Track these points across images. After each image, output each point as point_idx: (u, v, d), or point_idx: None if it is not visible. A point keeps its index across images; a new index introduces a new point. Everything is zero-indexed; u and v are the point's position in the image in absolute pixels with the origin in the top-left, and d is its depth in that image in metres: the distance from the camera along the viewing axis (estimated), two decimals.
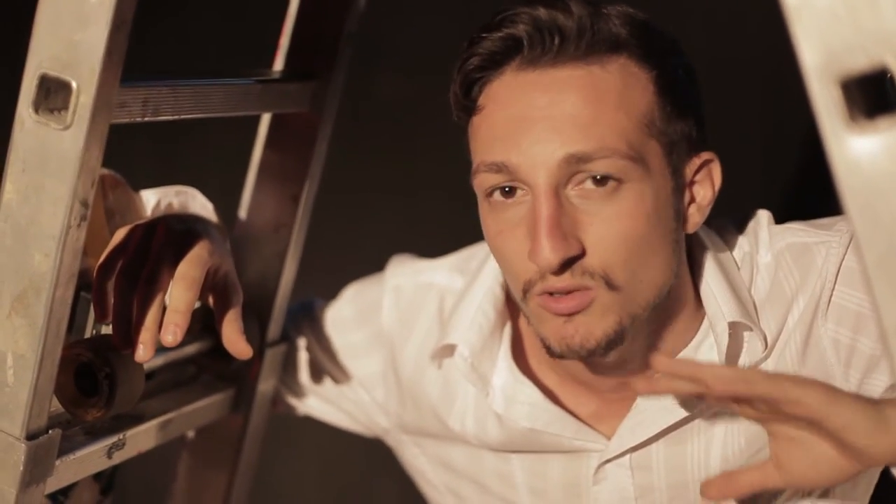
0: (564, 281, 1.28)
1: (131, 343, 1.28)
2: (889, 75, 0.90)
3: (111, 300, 1.29)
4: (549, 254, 1.26)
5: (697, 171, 1.35)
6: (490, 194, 1.31)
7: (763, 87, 2.28)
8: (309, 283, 1.61)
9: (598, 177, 1.27)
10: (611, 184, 1.28)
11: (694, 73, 1.37)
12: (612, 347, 1.31)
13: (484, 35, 1.31)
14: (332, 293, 1.64)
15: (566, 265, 1.28)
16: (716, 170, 1.36)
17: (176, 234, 1.33)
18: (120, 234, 1.34)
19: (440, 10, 2.43)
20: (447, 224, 2.04)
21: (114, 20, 1.06)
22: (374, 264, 1.64)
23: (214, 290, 1.38)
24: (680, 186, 1.33)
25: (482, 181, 1.31)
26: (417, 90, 2.43)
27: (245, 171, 1.53)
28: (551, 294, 1.30)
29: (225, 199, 1.54)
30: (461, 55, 1.33)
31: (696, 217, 1.36)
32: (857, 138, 0.91)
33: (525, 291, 1.31)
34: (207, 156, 2.41)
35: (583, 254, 1.28)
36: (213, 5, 2.51)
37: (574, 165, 1.27)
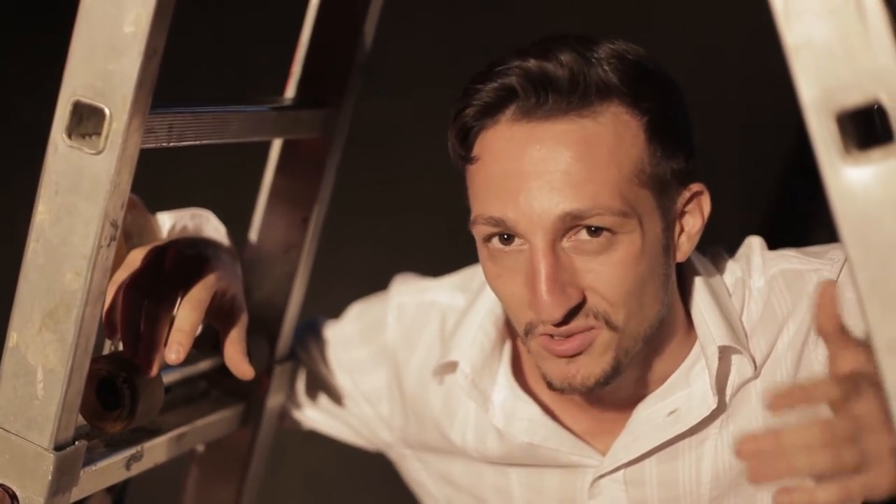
0: (570, 327, 1.32)
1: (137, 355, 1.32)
2: (876, 107, 0.95)
3: (118, 317, 1.34)
4: (552, 309, 1.30)
5: (687, 203, 1.38)
6: (488, 240, 1.34)
7: (748, 112, 2.32)
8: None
9: (592, 230, 1.30)
10: (604, 235, 1.31)
11: (685, 107, 1.39)
12: (610, 382, 1.36)
13: (478, 86, 1.33)
14: (319, 312, 1.68)
15: (569, 315, 1.31)
16: (705, 200, 1.39)
17: (186, 257, 1.38)
18: (134, 256, 1.38)
19: (426, 33, 2.46)
20: (436, 245, 2.08)
21: (146, 50, 1.11)
22: (360, 285, 1.67)
23: (220, 312, 1.43)
24: (670, 223, 1.37)
25: (480, 231, 1.34)
26: (404, 113, 2.47)
27: (252, 195, 1.57)
28: (552, 336, 1.33)
29: (232, 222, 1.58)
30: (455, 105, 1.35)
31: (685, 246, 1.39)
32: (851, 168, 0.96)
33: (527, 332, 1.35)
34: (216, 179, 2.45)
35: (583, 300, 1.32)
36: (221, 32, 2.54)
37: (568, 221, 1.30)
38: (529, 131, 1.31)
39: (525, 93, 1.30)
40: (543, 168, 1.30)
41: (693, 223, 1.39)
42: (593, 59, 1.32)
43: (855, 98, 0.95)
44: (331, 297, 1.69)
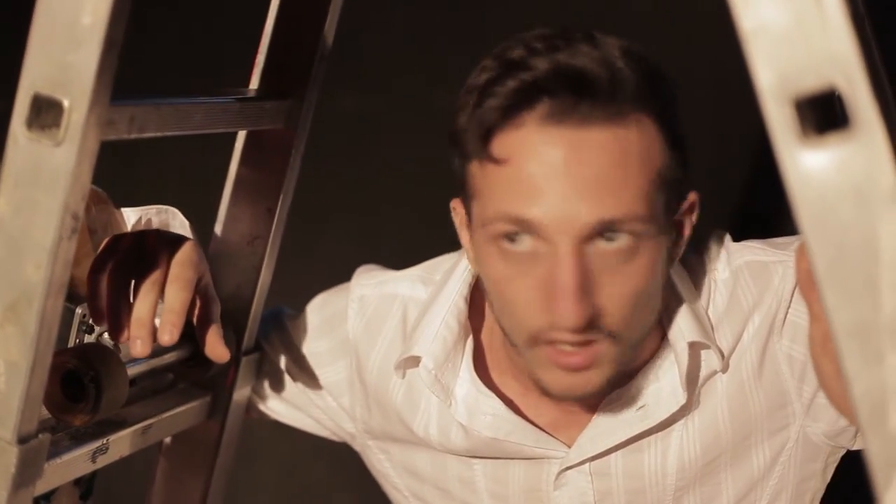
0: (578, 336, 1.30)
1: (124, 336, 1.32)
2: (837, 94, 0.96)
3: (104, 300, 1.33)
4: (576, 315, 1.28)
5: (686, 212, 1.39)
6: (499, 237, 1.32)
7: (713, 103, 2.32)
8: (269, 294, 1.64)
9: (616, 237, 1.29)
10: (630, 244, 1.29)
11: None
12: (610, 391, 1.38)
13: (499, 84, 1.29)
14: (289, 305, 1.68)
15: (587, 324, 1.30)
16: (696, 207, 1.39)
17: (167, 239, 1.38)
18: (111, 242, 1.37)
19: (400, 27, 2.47)
20: (406, 238, 2.09)
21: (105, 42, 1.10)
22: (331, 276, 1.68)
23: (195, 300, 1.42)
24: (673, 232, 1.37)
25: (496, 229, 1.31)
26: (378, 106, 2.47)
27: (211, 187, 1.58)
28: (555, 345, 1.32)
29: (194, 215, 1.58)
30: (472, 101, 1.31)
31: (678, 253, 1.40)
32: (808, 153, 0.96)
33: (534, 340, 1.33)
34: (173, 172, 2.44)
35: (598, 312, 1.30)
36: (183, 25, 2.54)
37: (600, 228, 1.28)
38: (561, 135, 1.27)
39: (558, 92, 1.27)
40: (577, 172, 1.27)
41: (685, 231, 1.39)
42: (613, 60, 1.28)
43: (812, 83, 0.95)
44: (305, 291, 1.69)
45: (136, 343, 1.31)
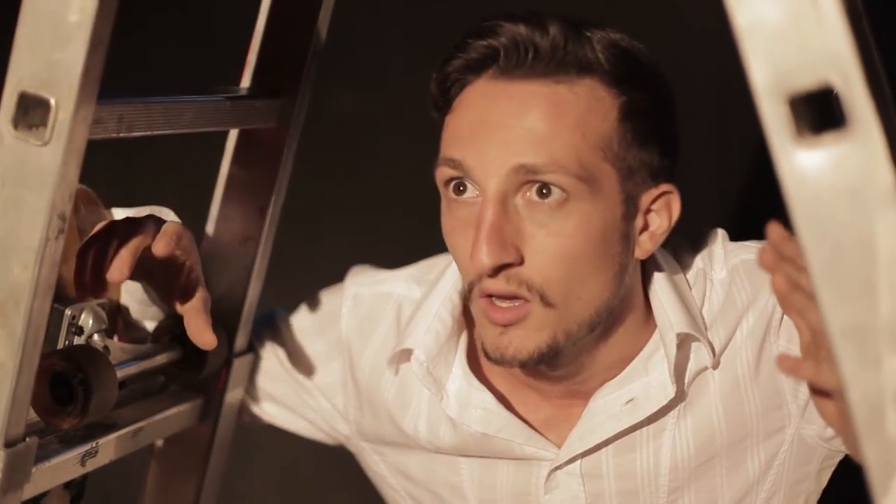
0: (499, 284, 1.33)
1: (102, 287, 1.30)
2: (834, 92, 0.95)
3: (88, 270, 1.31)
4: (485, 257, 1.31)
5: (655, 201, 1.38)
6: (446, 185, 1.36)
7: (713, 103, 2.32)
8: (266, 295, 1.64)
9: (545, 189, 1.32)
10: (557, 196, 1.32)
11: (671, 105, 1.40)
12: (545, 360, 1.36)
13: (468, 41, 1.36)
14: (286, 306, 1.67)
15: (500, 270, 1.32)
16: (674, 202, 1.39)
17: (159, 219, 1.36)
18: (107, 225, 1.35)
19: (394, 27, 2.46)
20: (402, 238, 2.08)
21: (91, 40, 1.09)
22: (329, 277, 1.67)
23: (186, 288, 1.40)
24: (632, 212, 1.37)
25: (441, 173, 1.36)
26: (378, 107, 2.47)
27: (206, 187, 1.57)
28: (491, 299, 1.34)
29: (190, 215, 1.57)
30: (446, 56, 1.39)
31: (647, 244, 1.39)
32: (803, 152, 0.95)
33: (470, 290, 1.37)
34: (166, 172, 2.44)
35: (521, 263, 1.33)
36: (176, 24, 2.54)
37: (523, 175, 1.32)
38: (504, 87, 1.34)
39: (508, 54, 1.33)
40: (508, 121, 1.33)
41: (659, 223, 1.39)
42: (584, 36, 1.34)
43: (807, 80, 0.94)
44: (300, 293, 1.68)
45: (113, 266, 1.29)
